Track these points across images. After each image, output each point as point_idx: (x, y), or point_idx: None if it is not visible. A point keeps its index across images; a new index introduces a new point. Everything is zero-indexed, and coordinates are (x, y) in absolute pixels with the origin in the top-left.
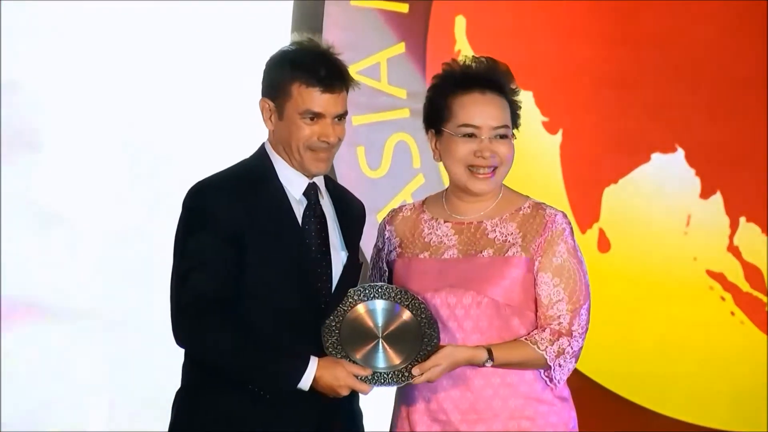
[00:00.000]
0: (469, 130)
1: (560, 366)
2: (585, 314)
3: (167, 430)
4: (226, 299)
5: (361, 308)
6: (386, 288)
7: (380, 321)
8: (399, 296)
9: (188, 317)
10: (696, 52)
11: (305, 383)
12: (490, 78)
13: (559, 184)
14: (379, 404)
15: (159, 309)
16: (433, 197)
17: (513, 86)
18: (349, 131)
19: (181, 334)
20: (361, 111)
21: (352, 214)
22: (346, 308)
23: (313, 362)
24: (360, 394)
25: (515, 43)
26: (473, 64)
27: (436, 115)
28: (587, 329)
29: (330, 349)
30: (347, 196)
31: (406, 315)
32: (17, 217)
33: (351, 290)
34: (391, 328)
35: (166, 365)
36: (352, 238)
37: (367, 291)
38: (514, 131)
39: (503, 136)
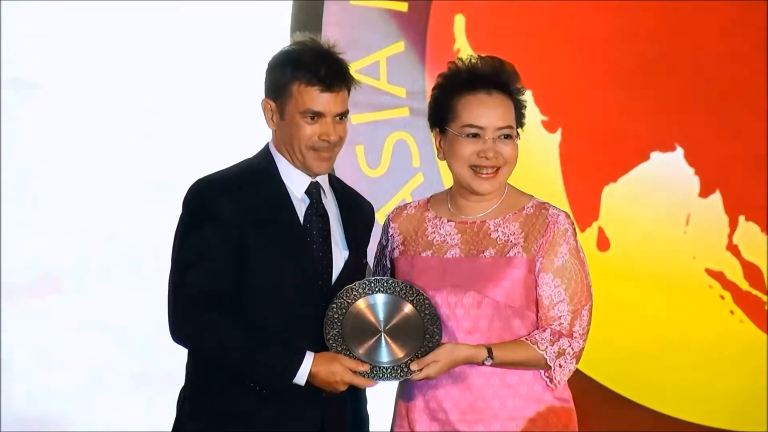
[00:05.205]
0: (474, 130)
1: (560, 366)
2: (586, 315)
3: (171, 428)
4: (224, 295)
5: (362, 303)
6: (391, 282)
7: (382, 315)
8: (403, 291)
9: (186, 312)
10: (696, 51)
11: (300, 378)
12: (496, 78)
13: (559, 183)
14: (380, 404)
15: (163, 306)
16: (438, 196)
17: (518, 86)
18: (349, 130)
19: (178, 330)
20: (360, 110)
21: (357, 214)
22: (349, 301)
23: (309, 357)
24: (368, 399)
25: (514, 42)
26: (479, 64)
27: (440, 115)
28: (589, 330)
29: (331, 341)
30: (354, 197)
31: (408, 309)
32: (17, 214)
33: (356, 283)
34: (393, 321)
35: (169, 362)
36: (356, 238)
37: (372, 285)
38: (519, 131)
39: (507, 137)
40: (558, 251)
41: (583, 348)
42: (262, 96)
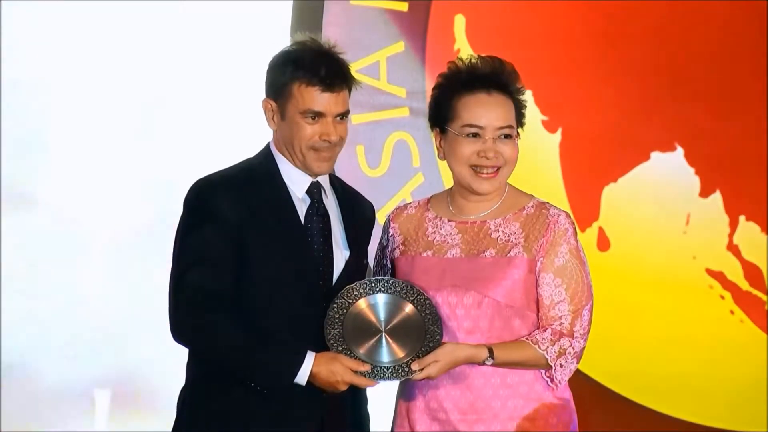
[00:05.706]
0: (474, 130)
1: (561, 366)
2: (587, 315)
3: (171, 428)
4: (224, 295)
5: (362, 303)
6: (392, 282)
7: (382, 315)
8: (404, 291)
9: (186, 312)
10: (696, 51)
11: (301, 378)
12: (496, 78)
13: (559, 183)
14: (380, 404)
15: (163, 305)
16: (438, 196)
17: (518, 86)
18: (349, 130)
19: (178, 330)
20: (360, 110)
21: (358, 214)
22: (350, 301)
23: (310, 357)
24: (368, 398)
25: (514, 42)
26: (479, 64)
27: (440, 115)
28: (589, 330)
29: (332, 341)
30: (355, 197)
31: (409, 308)
32: (18, 214)
33: (357, 283)
34: (394, 321)
35: (169, 362)
36: (356, 238)
37: (372, 285)
38: (519, 131)
39: (507, 136)
40: (558, 251)
41: (583, 348)
42: (263, 96)
